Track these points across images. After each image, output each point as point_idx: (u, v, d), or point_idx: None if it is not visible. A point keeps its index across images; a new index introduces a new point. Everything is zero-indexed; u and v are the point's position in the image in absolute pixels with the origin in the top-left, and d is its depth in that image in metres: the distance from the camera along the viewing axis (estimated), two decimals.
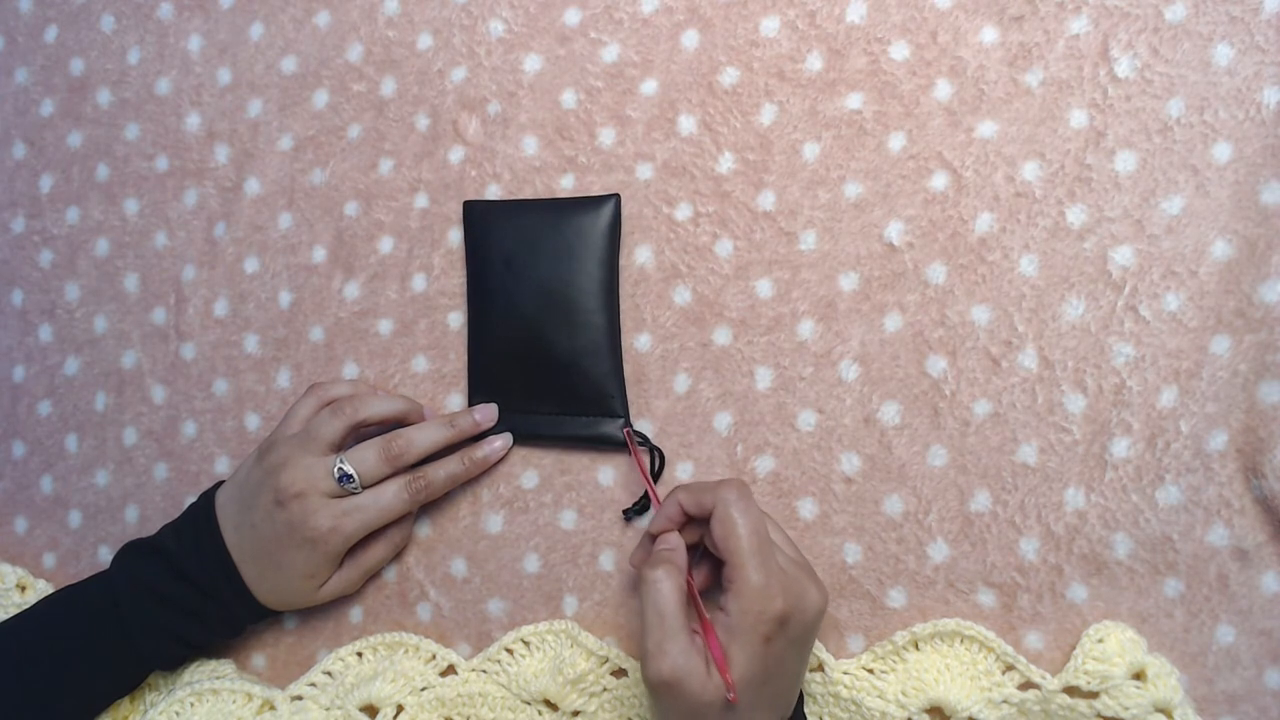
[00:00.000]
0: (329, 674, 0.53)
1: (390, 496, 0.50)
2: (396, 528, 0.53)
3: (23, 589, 0.60)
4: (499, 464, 0.54)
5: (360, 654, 0.53)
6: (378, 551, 0.53)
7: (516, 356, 0.53)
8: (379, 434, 0.51)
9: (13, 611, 0.58)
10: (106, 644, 0.50)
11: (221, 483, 0.53)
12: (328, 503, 0.49)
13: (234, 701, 0.52)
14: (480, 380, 0.54)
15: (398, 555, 0.55)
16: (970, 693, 0.46)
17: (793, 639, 0.41)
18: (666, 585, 0.41)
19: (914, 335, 0.50)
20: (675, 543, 0.44)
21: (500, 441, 0.53)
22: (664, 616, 0.40)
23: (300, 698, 0.52)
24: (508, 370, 0.54)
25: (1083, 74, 0.49)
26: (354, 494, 0.50)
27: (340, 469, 0.49)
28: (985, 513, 0.48)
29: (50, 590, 0.60)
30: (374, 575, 0.55)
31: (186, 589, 0.50)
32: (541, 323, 0.53)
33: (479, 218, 0.55)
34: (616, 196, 0.53)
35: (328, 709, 0.51)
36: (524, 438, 0.54)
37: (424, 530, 0.55)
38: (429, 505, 0.54)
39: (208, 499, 0.52)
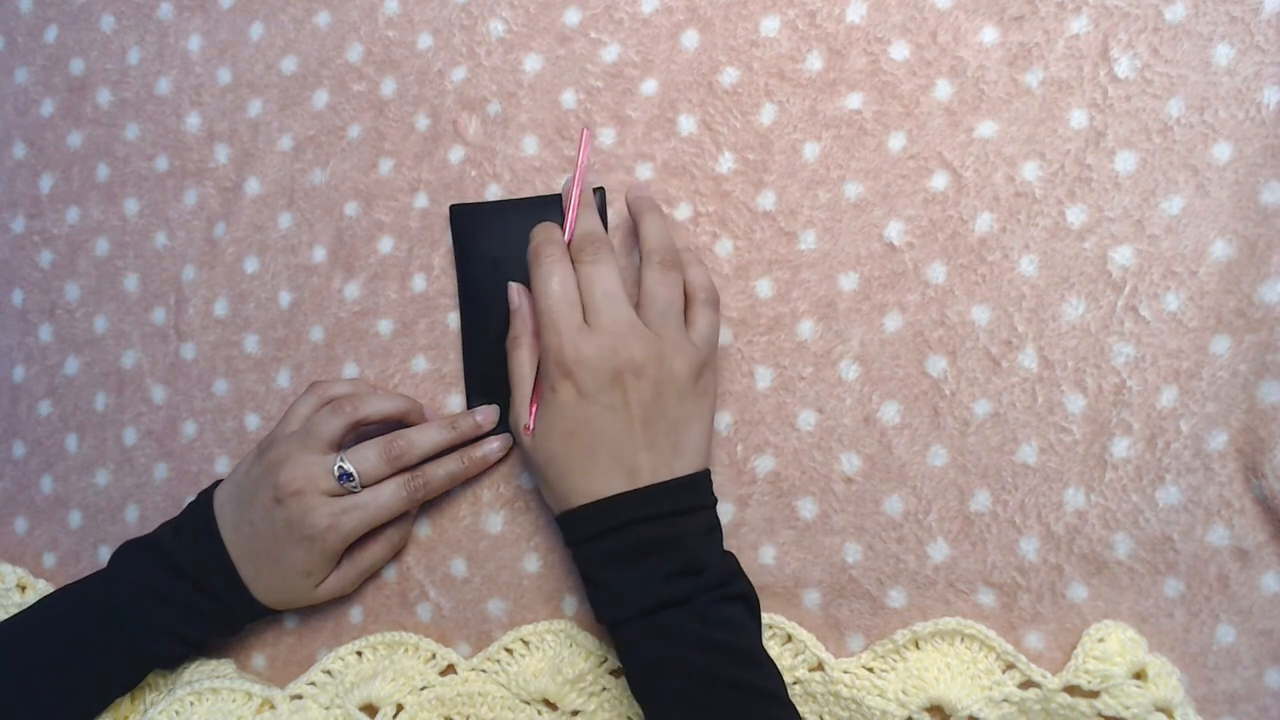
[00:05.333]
0: (329, 673, 0.53)
1: (389, 495, 0.50)
2: (395, 528, 0.53)
3: (23, 589, 0.60)
4: (499, 464, 0.54)
5: (360, 653, 0.53)
6: (376, 551, 0.53)
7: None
8: (379, 433, 0.51)
9: (13, 611, 0.58)
10: (105, 642, 0.50)
11: (220, 481, 0.53)
12: (326, 500, 0.49)
13: (234, 700, 0.52)
14: (476, 382, 0.54)
15: (397, 555, 0.55)
16: (971, 692, 0.46)
17: (585, 393, 0.44)
18: (522, 353, 0.49)
19: (914, 335, 0.50)
20: (530, 326, 0.49)
21: (499, 442, 0.53)
22: (520, 380, 0.49)
23: (300, 696, 0.52)
24: (503, 370, 0.53)
25: (1083, 74, 0.49)
26: (353, 493, 0.50)
27: (341, 467, 0.49)
28: (985, 513, 0.48)
29: (50, 590, 0.60)
30: (373, 575, 0.55)
31: (183, 586, 0.50)
32: None
33: (466, 221, 0.55)
34: (601, 190, 0.53)
35: (327, 708, 0.51)
36: None
37: (424, 530, 0.55)
38: (429, 505, 0.54)
39: (206, 497, 0.52)
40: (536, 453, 0.47)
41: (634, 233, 0.54)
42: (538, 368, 0.48)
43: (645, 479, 0.44)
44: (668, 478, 0.45)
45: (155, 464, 0.60)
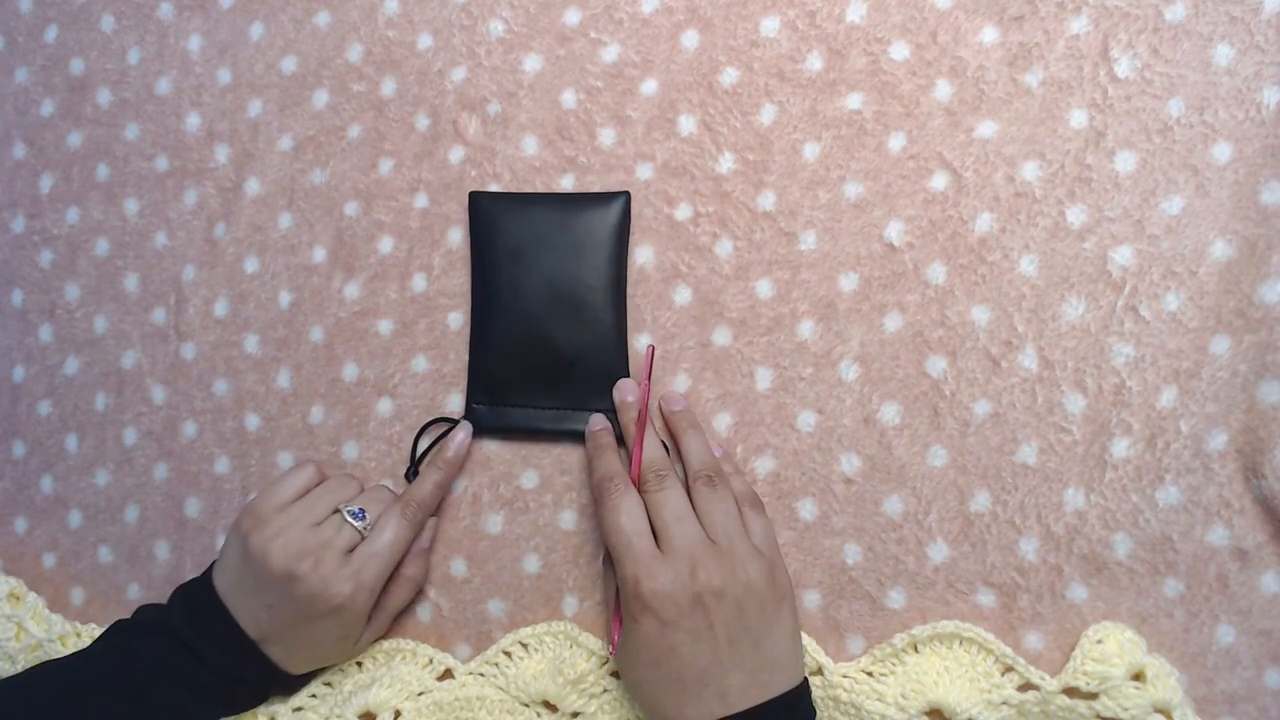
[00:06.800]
0: (329, 684, 0.53)
1: (393, 529, 0.50)
2: (413, 566, 0.52)
3: (16, 599, 0.60)
4: (499, 464, 0.54)
5: (360, 663, 0.53)
6: (400, 594, 0.52)
7: (520, 351, 0.53)
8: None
9: (2, 623, 0.57)
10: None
11: (211, 569, 0.51)
12: (340, 563, 0.48)
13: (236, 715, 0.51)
14: (481, 375, 0.54)
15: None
16: (970, 695, 0.46)
17: (667, 622, 0.43)
18: (607, 572, 0.49)
19: (914, 335, 0.50)
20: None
21: (462, 434, 0.53)
22: (609, 598, 0.49)
23: (301, 709, 0.52)
24: (510, 365, 0.53)
25: (1083, 74, 0.49)
26: (363, 535, 0.49)
27: (348, 510, 0.49)
28: (985, 513, 0.48)
29: (41, 604, 0.59)
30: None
31: (217, 679, 0.48)
32: (547, 318, 0.53)
33: (485, 209, 0.55)
34: (626, 194, 0.53)
35: (328, 718, 0.51)
36: (525, 433, 0.54)
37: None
38: None
39: (208, 587, 0.50)
40: (624, 677, 0.48)
41: (638, 228, 0.54)
42: (616, 589, 0.46)
43: (737, 703, 0.42)
44: (760, 699, 0.42)
45: (155, 464, 0.60)
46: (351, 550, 0.49)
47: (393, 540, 0.49)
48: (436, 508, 0.53)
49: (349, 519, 0.49)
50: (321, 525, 0.49)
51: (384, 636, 0.54)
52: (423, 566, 0.53)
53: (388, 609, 0.52)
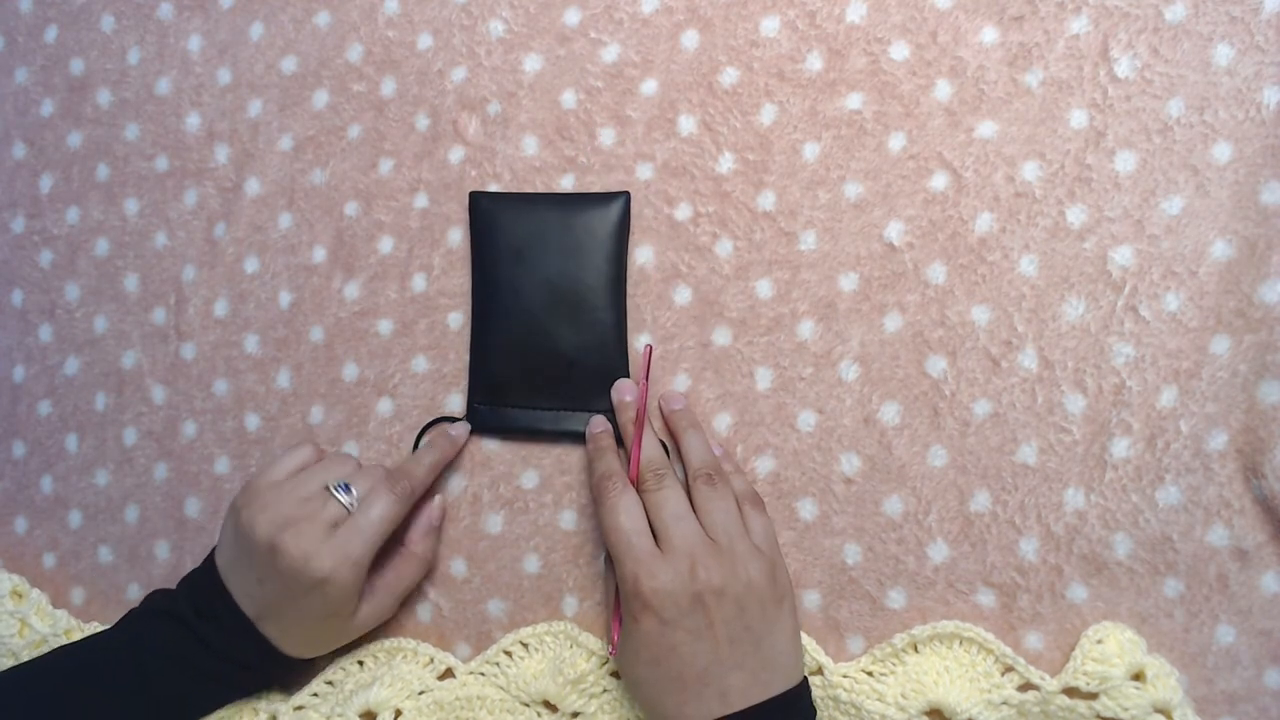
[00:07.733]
0: (331, 683, 0.53)
1: (380, 506, 0.48)
2: (423, 544, 0.52)
3: (19, 596, 0.60)
4: (499, 464, 0.54)
5: (361, 662, 0.53)
6: (408, 571, 0.51)
7: (520, 351, 0.53)
8: None
9: (6, 619, 0.57)
10: (136, 709, 0.48)
11: (215, 549, 0.51)
12: (324, 536, 0.47)
13: (238, 714, 0.51)
14: (481, 375, 0.54)
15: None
16: (970, 695, 0.46)
17: (667, 621, 0.43)
18: (607, 572, 0.50)
19: (914, 335, 0.50)
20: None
21: (459, 428, 0.54)
22: (609, 598, 0.49)
23: (302, 707, 0.52)
24: (510, 364, 0.53)
25: (1083, 74, 0.49)
26: (349, 509, 0.48)
27: (335, 484, 0.49)
28: (985, 513, 0.48)
29: (45, 600, 0.59)
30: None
31: (216, 662, 0.48)
32: (547, 318, 0.53)
33: (485, 209, 0.55)
34: (626, 194, 0.53)
35: (329, 717, 0.51)
36: (525, 433, 0.54)
37: None
38: None
39: (211, 570, 0.49)
40: (624, 676, 0.48)
41: (637, 228, 0.54)
42: (616, 589, 0.46)
43: (737, 702, 0.42)
44: (761, 698, 0.42)
45: (155, 464, 0.60)
46: (338, 525, 0.48)
47: (380, 516, 0.48)
48: (431, 487, 0.53)
49: (335, 492, 0.48)
50: (309, 499, 0.48)
51: (384, 635, 0.54)
52: (432, 545, 0.52)
53: (395, 589, 0.51)
